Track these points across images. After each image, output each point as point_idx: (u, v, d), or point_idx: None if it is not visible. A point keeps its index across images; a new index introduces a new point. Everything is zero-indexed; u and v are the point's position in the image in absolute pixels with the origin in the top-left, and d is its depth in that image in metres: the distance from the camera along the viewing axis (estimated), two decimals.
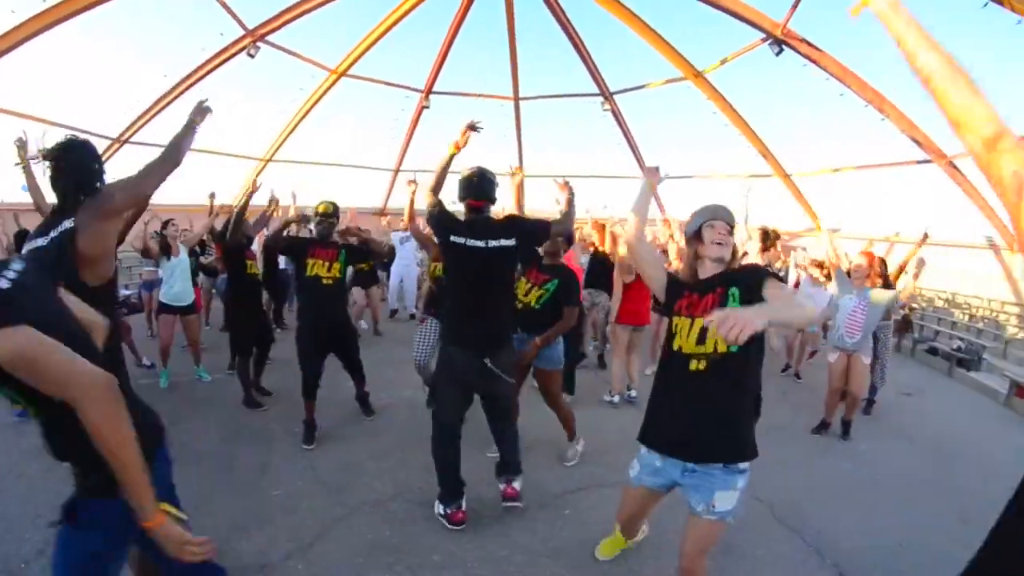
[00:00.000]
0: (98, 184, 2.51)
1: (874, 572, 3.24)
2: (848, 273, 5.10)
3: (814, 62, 8.58)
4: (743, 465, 2.29)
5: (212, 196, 6.27)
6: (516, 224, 3.36)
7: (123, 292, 10.32)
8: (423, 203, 3.64)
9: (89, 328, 1.78)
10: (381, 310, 8.98)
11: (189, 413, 5.16)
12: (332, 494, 3.75)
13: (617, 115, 12.84)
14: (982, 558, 1.39)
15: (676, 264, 5.78)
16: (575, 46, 11.16)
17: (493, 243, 3.21)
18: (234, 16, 8.66)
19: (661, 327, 6.79)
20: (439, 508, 3.44)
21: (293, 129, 12.23)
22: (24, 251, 2.36)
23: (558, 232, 3.43)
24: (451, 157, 3.55)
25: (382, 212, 14.54)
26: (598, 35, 11.10)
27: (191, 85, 9.71)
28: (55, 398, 1.37)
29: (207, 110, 3.02)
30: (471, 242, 3.22)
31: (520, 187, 4.17)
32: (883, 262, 5.25)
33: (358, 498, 3.71)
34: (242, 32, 9.08)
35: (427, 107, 12.74)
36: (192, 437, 4.62)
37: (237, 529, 3.32)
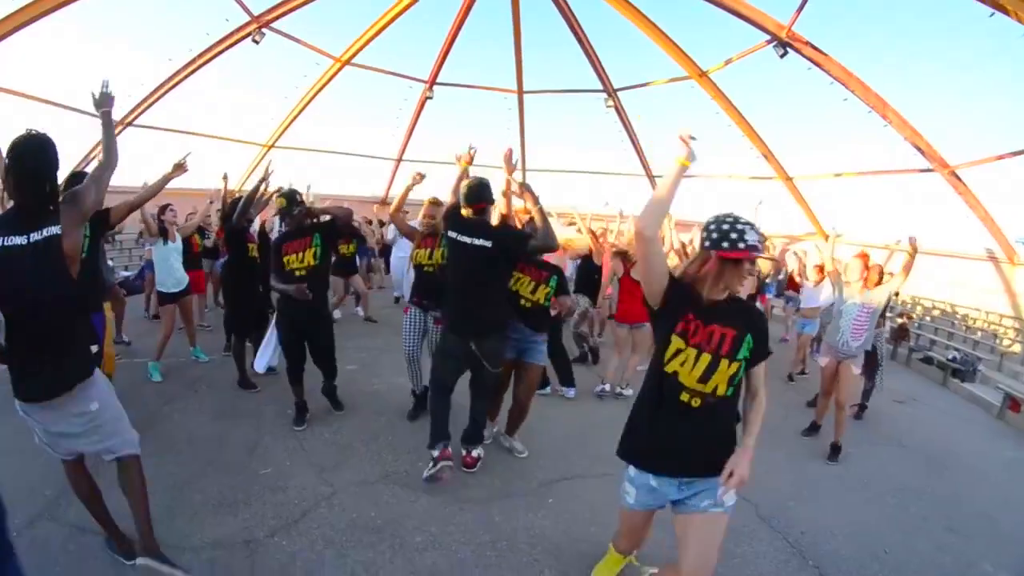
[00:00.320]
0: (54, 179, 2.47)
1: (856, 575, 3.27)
2: (838, 274, 5.09)
3: (818, 65, 8.60)
4: None
5: (225, 178, 6.35)
6: (498, 229, 3.71)
7: (122, 274, 10.39)
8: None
9: None
10: (368, 296, 8.96)
11: (183, 392, 5.22)
12: (319, 474, 3.80)
13: (620, 112, 12.86)
14: None
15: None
16: (580, 41, 11.20)
17: (476, 241, 3.56)
18: (239, 2, 8.67)
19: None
20: (432, 453, 3.71)
21: (296, 116, 12.28)
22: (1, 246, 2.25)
23: (538, 249, 3.67)
24: (465, 170, 4.07)
25: (383, 201, 14.60)
26: (603, 31, 11.16)
27: (195, 70, 9.77)
28: None
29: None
30: (461, 237, 3.61)
31: (508, 191, 4.12)
32: (880, 270, 5.17)
33: (345, 478, 3.76)
34: (247, 18, 9.11)
35: (431, 98, 12.79)
36: (185, 416, 4.69)
37: (224, 505, 3.36)
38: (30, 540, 2.93)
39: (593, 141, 14.88)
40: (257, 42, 9.28)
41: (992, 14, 6.25)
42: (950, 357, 8.73)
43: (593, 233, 6.86)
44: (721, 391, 2.10)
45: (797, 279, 8.19)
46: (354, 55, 11.25)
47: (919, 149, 8.77)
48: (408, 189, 4.51)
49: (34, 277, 2.27)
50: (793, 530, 3.62)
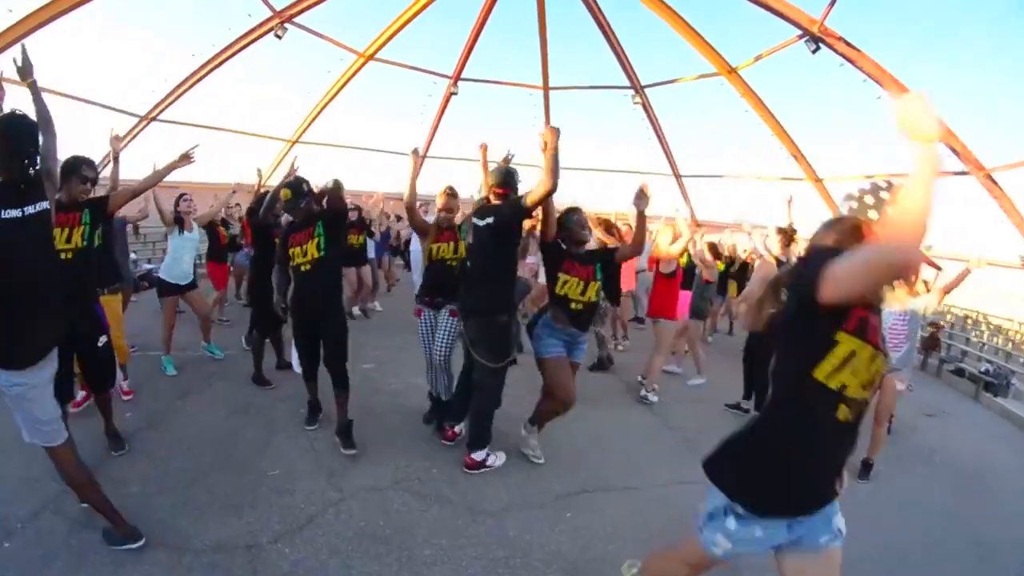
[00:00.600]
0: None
1: None
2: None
3: (851, 62, 8.28)
4: None
5: (260, 172, 6.35)
6: (500, 205, 3.77)
7: (145, 267, 10.48)
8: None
9: None
10: (370, 292, 8.82)
11: (198, 387, 5.19)
12: (329, 477, 3.68)
13: (648, 109, 12.61)
14: None
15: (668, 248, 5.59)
16: (607, 37, 10.97)
17: (484, 221, 3.73)
18: None
19: (694, 329, 6.65)
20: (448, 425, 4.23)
21: (320, 112, 12.26)
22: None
23: (538, 199, 3.49)
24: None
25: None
26: (630, 27, 10.90)
27: (218, 65, 9.78)
28: None
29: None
30: (475, 220, 3.81)
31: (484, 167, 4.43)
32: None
33: (355, 483, 3.63)
34: (270, 13, 9.09)
35: (455, 93, 12.65)
36: (198, 412, 4.64)
37: (229, 507, 3.26)
38: (34, 532, 2.90)
39: (621, 138, 14.62)
40: (280, 37, 9.23)
41: None
42: (983, 370, 8.37)
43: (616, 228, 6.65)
44: (870, 395, 1.74)
45: None
46: (377, 50, 11.17)
47: (954, 151, 8.39)
48: (414, 174, 4.25)
49: (29, 248, 2.46)
50: None
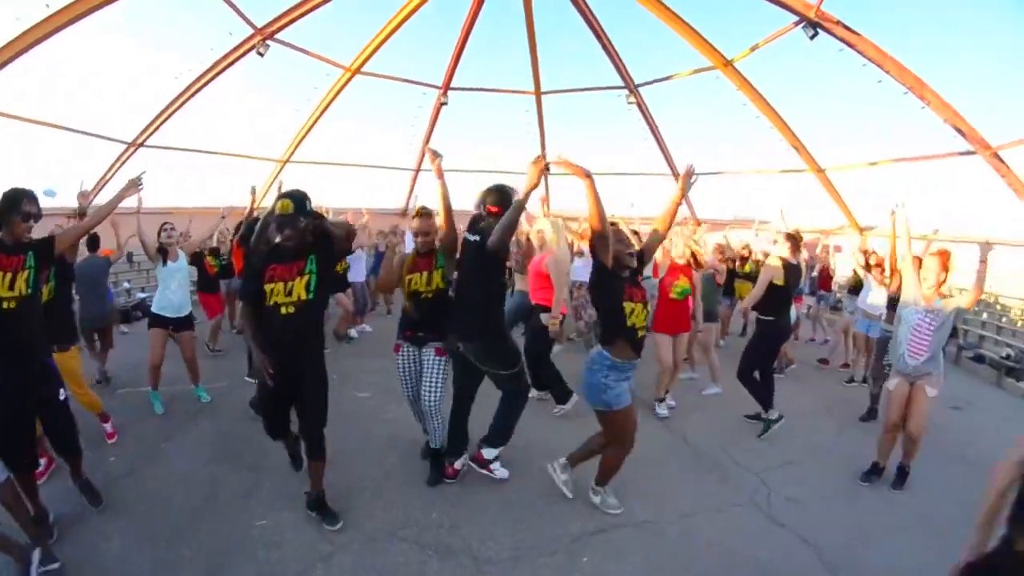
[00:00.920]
0: None
1: None
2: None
3: (851, 46, 8.01)
4: None
5: (253, 191, 5.79)
6: (490, 223, 3.60)
7: (139, 295, 10.28)
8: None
9: None
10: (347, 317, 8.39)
11: (184, 426, 4.92)
12: (318, 527, 3.38)
13: (643, 108, 12.36)
14: None
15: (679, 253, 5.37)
16: (597, 36, 10.73)
17: (471, 237, 3.66)
18: (240, 14, 8.47)
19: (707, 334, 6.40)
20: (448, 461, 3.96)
21: (309, 130, 12.07)
22: None
23: (493, 243, 3.43)
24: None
25: (403, 212, 14.33)
26: (621, 24, 10.65)
27: (203, 86, 9.60)
28: None
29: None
30: (466, 235, 3.73)
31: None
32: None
33: (347, 534, 3.33)
34: (251, 31, 8.90)
35: (445, 104, 12.42)
36: (182, 455, 4.37)
37: (213, 565, 3.00)
38: None
39: (616, 140, 14.31)
40: (262, 54, 9.03)
41: None
42: (1004, 355, 8.09)
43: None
44: None
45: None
46: (363, 63, 10.96)
47: (959, 131, 8.13)
48: (442, 188, 3.66)
49: None
50: None
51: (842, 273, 9.56)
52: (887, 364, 5.24)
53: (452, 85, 12.23)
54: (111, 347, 6.22)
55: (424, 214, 3.75)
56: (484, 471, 3.99)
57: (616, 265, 3.31)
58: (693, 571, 3.12)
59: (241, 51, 9.16)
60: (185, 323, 5.34)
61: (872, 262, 6.71)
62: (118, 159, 9.87)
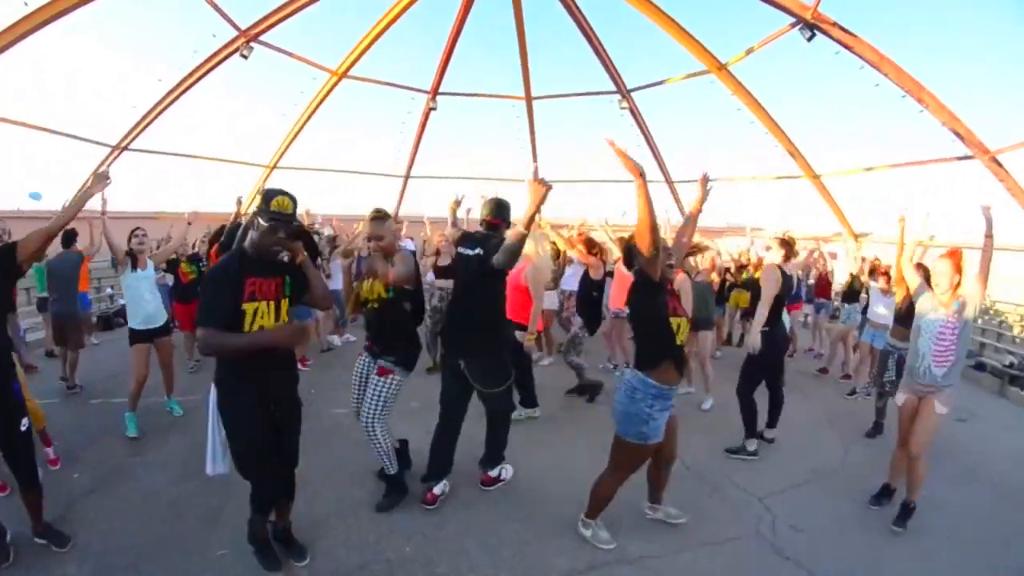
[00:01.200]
0: None
1: None
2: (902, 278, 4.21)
3: (848, 48, 7.85)
4: None
5: (239, 202, 5.80)
6: (489, 236, 3.65)
7: (120, 302, 10.02)
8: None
9: None
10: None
11: (153, 442, 4.69)
12: (284, 558, 3.12)
13: (635, 114, 12.19)
14: None
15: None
16: (589, 40, 10.56)
17: (471, 251, 3.60)
18: (223, 15, 8.28)
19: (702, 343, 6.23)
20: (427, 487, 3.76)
21: (296, 135, 11.86)
22: None
23: (499, 263, 3.34)
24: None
25: (393, 219, 14.12)
26: (613, 28, 10.54)
27: (187, 89, 9.42)
28: None
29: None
30: (463, 250, 3.70)
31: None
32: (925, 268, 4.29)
33: (315, 566, 3.08)
34: (235, 33, 8.69)
35: (434, 108, 12.21)
36: (149, 474, 4.15)
37: None
38: None
39: (608, 147, 14.17)
40: (245, 56, 8.82)
41: None
42: (1006, 363, 7.91)
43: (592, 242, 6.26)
44: None
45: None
46: (350, 67, 10.76)
47: (958, 135, 7.98)
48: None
49: None
50: None
51: (839, 280, 9.38)
52: (888, 380, 5.06)
53: (441, 90, 12.04)
54: (82, 346, 6.11)
55: (380, 216, 3.50)
56: (496, 486, 4.02)
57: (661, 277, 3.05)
58: None
59: (224, 53, 8.95)
60: (163, 330, 5.16)
61: (878, 270, 6.53)
62: (102, 163, 9.66)
